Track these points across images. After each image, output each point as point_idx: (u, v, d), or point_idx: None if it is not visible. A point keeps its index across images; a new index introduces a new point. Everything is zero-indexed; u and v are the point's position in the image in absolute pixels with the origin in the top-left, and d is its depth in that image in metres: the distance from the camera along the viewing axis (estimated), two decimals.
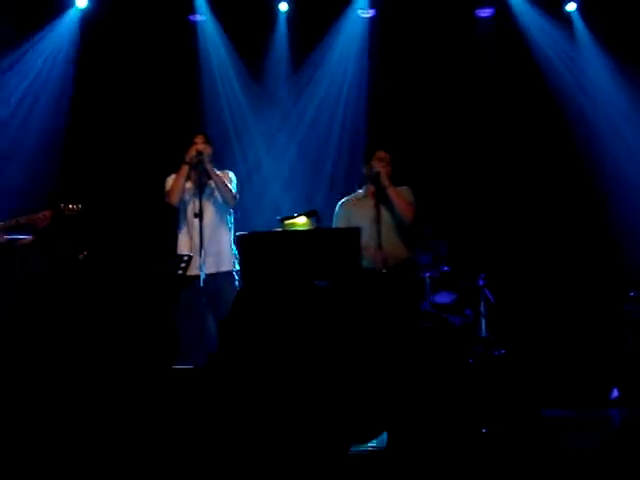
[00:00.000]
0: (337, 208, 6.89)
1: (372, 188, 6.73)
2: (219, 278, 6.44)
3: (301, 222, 6.79)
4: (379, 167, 6.64)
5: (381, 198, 6.64)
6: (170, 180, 6.62)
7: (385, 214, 6.65)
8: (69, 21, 8.58)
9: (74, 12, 8.60)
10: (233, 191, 6.55)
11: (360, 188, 6.96)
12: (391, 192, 6.65)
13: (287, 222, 6.71)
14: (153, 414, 2.66)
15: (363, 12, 8.85)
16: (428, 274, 8.28)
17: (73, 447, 2.47)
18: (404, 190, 6.81)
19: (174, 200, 6.49)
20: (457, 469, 2.34)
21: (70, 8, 8.57)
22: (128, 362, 2.95)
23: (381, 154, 6.76)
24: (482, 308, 8.59)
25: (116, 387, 2.78)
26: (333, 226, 6.89)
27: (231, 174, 6.65)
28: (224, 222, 6.58)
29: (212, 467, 2.23)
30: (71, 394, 2.63)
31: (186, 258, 6.00)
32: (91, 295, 2.85)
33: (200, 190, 6.37)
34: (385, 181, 6.63)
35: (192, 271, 6.18)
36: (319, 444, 2.17)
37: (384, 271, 6.53)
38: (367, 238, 6.61)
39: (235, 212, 6.85)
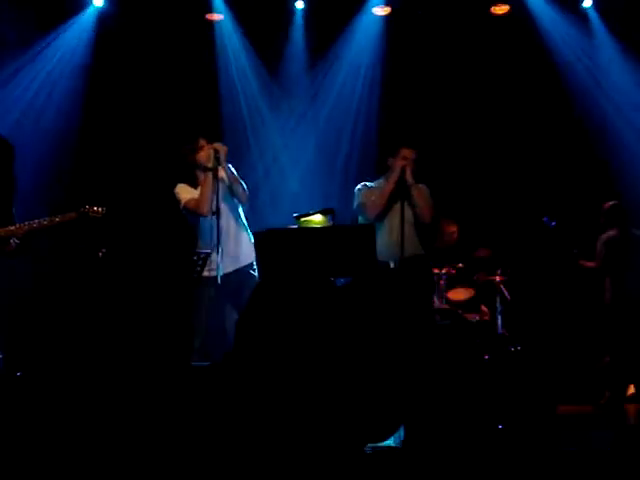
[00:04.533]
0: (360, 186, 6.87)
1: (390, 184, 6.73)
2: (239, 274, 6.45)
3: (317, 219, 6.82)
4: (403, 164, 6.65)
5: (403, 193, 6.64)
6: (183, 189, 6.52)
7: (406, 210, 6.65)
8: (85, 20, 8.60)
9: (90, 11, 8.62)
10: (245, 187, 6.55)
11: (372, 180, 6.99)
12: (414, 191, 6.68)
13: (303, 219, 6.72)
14: (169, 412, 2.70)
15: (378, 10, 8.85)
16: (444, 270, 8.30)
17: (85, 445, 2.51)
18: (423, 189, 6.83)
19: (206, 211, 6.30)
20: (473, 466, 2.37)
21: (87, 7, 8.59)
22: (143, 360, 2.99)
23: (407, 152, 6.76)
24: (498, 305, 8.59)
25: (130, 385, 2.81)
26: (355, 202, 6.86)
27: (234, 169, 6.61)
28: (239, 219, 6.59)
29: (227, 465, 2.27)
30: (85, 391, 2.67)
31: (203, 255, 6.02)
32: (108, 293, 2.89)
33: (217, 189, 6.33)
34: (410, 179, 6.64)
35: (211, 272, 6.20)
36: (335, 442, 2.20)
37: (392, 265, 6.55)
38: (388, 231, 6.66)
39: (251, 209, 6.86)
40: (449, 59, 8.82)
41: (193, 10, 8.63)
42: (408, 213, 6.70)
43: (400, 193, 6.68)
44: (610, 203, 8.11)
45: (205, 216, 6.35)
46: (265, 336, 2.45)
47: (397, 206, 6.70)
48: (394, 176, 6.71)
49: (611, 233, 7.98)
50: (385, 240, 6.70)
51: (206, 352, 6.43)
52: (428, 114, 8.85)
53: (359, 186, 6.94)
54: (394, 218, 6.68)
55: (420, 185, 6.84)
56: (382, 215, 6.78)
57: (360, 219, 6.92)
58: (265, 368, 2.37)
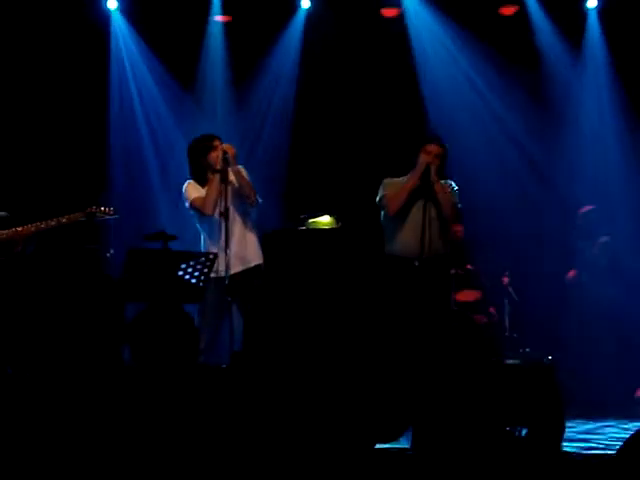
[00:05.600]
0: (386, 180, 6.81)
1: (413, 179, 6.65)
2: (247, 275, 6.45)
3: (325, 221, 6.81)
4: (429, 161, 6.57)
5: (427, 191, 6.60)
6: (192, 187, 6.52)
7: (430, 208, 6.57)
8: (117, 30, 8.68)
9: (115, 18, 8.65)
10: (254, 188, 6.54)
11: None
12: (438, 189, 6.60)
13: (311, 220, 6.71)
14: (176, 413, 2.69)
15: (387, 12, 8.84)
16: (452, 272, 8.28)
17: (87, 446, 2.50)
18: (449, 187, 6.74)
19: (210, 211, 6.34)
20: (481, 468, 2.36)
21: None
22: (148, 361, 2.99)
23: (432, 147, 6.67)
24: (506, 307, 8.57)
25: (136, 386, 2.81)
26: (378, 195, 6.78)
27: (244, 169, 6.60)
28: (248, 220, 6.57)
29: (234, 465, 2.26)
30: (86, 391, 2.67)
31: (211, 256, 6.03)
32: (115, 292, 2.88)
33: (225, 190, 6.33)
34: (433, 177, 6.59)
35: (218, 273, 6.20)
36: (344, 443, 2.20)
37: (416, 263, 6.49)
38: (411, 228, 6.61)
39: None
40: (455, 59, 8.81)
41: (200, 12, 8.66)
42: (432, 211, 6.60)
43: (424, 190, 6.60)
44: (587, 208, 8.16)
45: (209, 215, 6.37)
46: (273, 336, 2.45)
47: (421, 203, 6.59)
48: (417, 172, 6.62)
49: (604, 238, 8.05)
50: (409, 238, 6.62)
51: (213, 353, 6.44)
52: (431, 115, 8.83)
53: (385, 180, 6.85)
54: (418, 215, 6.56)
55: (445, 182, 6.74)
56: (403, 211, 6.67)
57: (382, 214, 6.81)
58: (273, 368, 2.36)
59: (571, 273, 8.30)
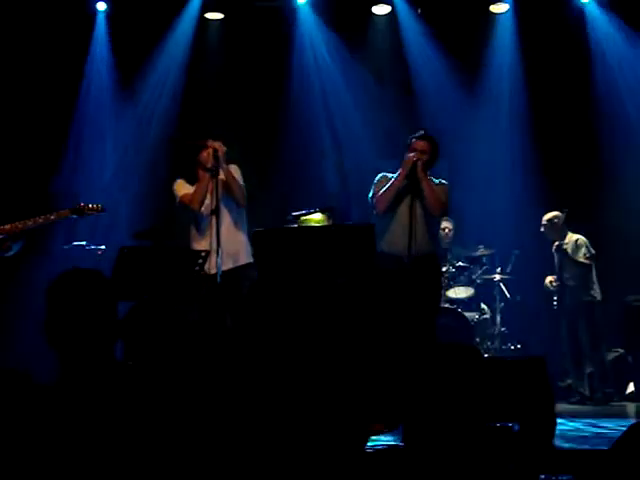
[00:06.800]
0: (379, 176, 6.74)
1: (400, 177, 6.62)
2: (236, 273, 6.46)
3: (316, 218, 6.80)
4: (415, 158, 6.56)
5: (414, 188, 6.58)
6: (181, 185, 6.53)
7: (417, 205, 6.56)
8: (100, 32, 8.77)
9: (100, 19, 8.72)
10: (243, 188, 6.55)
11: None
12: (425, 185, 6.57)
13: (303, 218, 6.70)
14: (168, 410, 2.69)
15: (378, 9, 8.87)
16: (444, 269, 8.31)
17: (82, 443, 2.50)
18: (439, 186, 6.71)
19: (197, 207, 6.39)
20: (471, 464, 2.37)
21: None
22: (144, 359, 2.98)
23: (419, 144, 6.62)
24: (497, 303, 8.61)
25: (133, 386, 2.80)
26: (370, 192, 6.75)
27: (237, 168, 6.61)
28: (239, 219, 6.59)
29: (226, 463, 2.27)
30: (85, 389, 2.66)
31: (203, 254, 6.03)
32: (106, 289, 2.87)
33: (215, 188, 6.33)
34: (420, 173, 6.57)
35: (210, 270, 6.21)
36: (335, 440, 2.20)
37: (406, 260, 6.47)
38: (399, 226, 6.59)
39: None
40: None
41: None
42: (419, 208, 6.56)
43: (411, 187, 6.57)
44: (551, 214, 8.25)
45: (196, 211, 6.40)
46: (262, 334, 2.45)
47: (408, 201, 6.54)
48: (404, 169, 6.59)
49: (576, 236, 8.19)
50: (396, 235, 6.59)
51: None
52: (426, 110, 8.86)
53: (378, 176, 6.79)
54: (405, 213, 6.54)
55: (436, 180, 6.69)
56: (391, 209, 6.63)
57: (374, 212, 6.77)
58: (263, 366, 2.37)
59: (549, 278, 8.36)
